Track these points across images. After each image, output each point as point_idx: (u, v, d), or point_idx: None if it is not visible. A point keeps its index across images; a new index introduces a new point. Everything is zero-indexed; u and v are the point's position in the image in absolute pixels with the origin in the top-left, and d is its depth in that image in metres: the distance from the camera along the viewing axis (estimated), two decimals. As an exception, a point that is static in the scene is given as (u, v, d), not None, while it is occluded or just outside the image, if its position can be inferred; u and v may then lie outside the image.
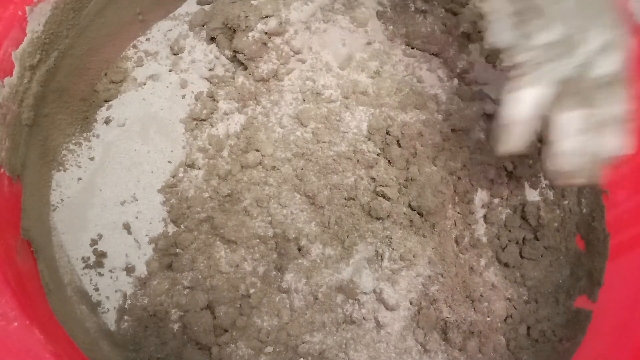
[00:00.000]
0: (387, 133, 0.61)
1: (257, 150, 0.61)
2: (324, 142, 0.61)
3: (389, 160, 0.61)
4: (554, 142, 0.46)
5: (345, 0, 0.68)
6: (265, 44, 0.62)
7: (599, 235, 0.63)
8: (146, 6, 0.67)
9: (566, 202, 0.65)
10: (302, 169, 0.60)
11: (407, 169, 0.60)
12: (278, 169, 0.60)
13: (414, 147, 0.60)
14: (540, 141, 0.66)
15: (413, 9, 0.69)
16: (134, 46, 0.68)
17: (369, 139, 0.61)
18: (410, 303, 0.57)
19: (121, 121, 0.64)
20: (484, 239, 0.63)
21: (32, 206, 0.57)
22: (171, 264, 0.59)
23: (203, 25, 0.68)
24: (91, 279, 0.59)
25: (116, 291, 0.58)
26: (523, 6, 0.45)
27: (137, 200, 0.61)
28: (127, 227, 0.60)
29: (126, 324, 0.57)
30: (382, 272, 0.57)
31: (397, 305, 0.56)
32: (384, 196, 0.58)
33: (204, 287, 0.58)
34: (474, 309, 0.59)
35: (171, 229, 0.60)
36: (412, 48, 0.69)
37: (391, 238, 0.57)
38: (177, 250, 0.59)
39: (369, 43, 0.68)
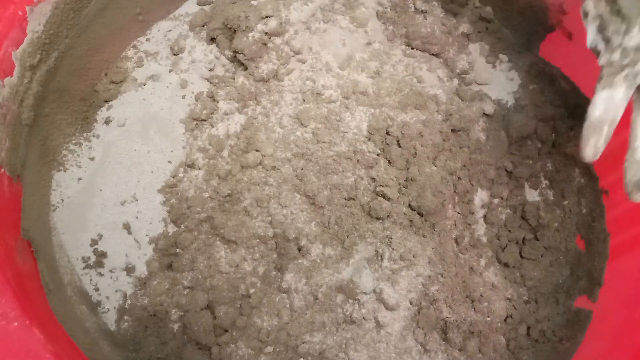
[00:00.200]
0: (387, 133, 0.61)
1: (257, 150, 0.61)
2: (324, 142, 0.61)
3: (389, 160, 0.61)
4: (637, 149, 0.44)
5: (345, 1, 0.68)
6: (265, 44, 0.63)
7: (599, 235, 0.63)
8: (146, 6, 0.67)
9: (566, 202, 0.65)
10: (302, 169, 0.60)
11: (407, 169, 0.60)
12: (278, 169, 0.60)
13: (414, 147, 0.60)
14: (541, 141, 0.66)
15: (413, 9, 0.69)
16: (134, 46, 0.69)
17: (369, 139, 0.61)
18: (410, 303, 0.57)
19: (121, 121, 0.64)
20: (484, 239, 0.63)
21: (32, 206, 0.57)
22: (171, 264, 0.59)
23: (203, 26, 0.68)
24: (91, 279, 0.59)
25: (116, 291, 0.58)
26: (606, 10, 0.45)
27: (137, 200, 0.61)
28: (127, 227, 0.60)
29: (126, 324, 0.57)
30: (382, 272, 0.57)
31: (397, 305, 0.56)
32: (384, 196, 0.59)
33: (204, 287, 0.58)
34: (474, 309, 0.59)
35: (171, 229, 0.60)
36: (412, 48, 0.69)
37: (391, 238, 0.57)
38: (177, 250, 0.59)
39: (369, 43, 0.68)
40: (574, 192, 0.65)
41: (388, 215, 0.58)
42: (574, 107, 0.67)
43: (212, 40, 0.67)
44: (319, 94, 0.63)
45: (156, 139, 0.64)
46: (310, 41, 0.65)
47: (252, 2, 0.64)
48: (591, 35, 0.46)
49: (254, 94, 0.64)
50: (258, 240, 0.59)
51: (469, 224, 0.63)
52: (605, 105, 0.45)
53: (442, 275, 0.58)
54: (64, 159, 0.62)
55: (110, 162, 0.63)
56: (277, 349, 0.56)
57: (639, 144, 0.44)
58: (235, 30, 0.63)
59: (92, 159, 0.63)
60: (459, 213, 0.62)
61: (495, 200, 0.65)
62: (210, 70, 0.67)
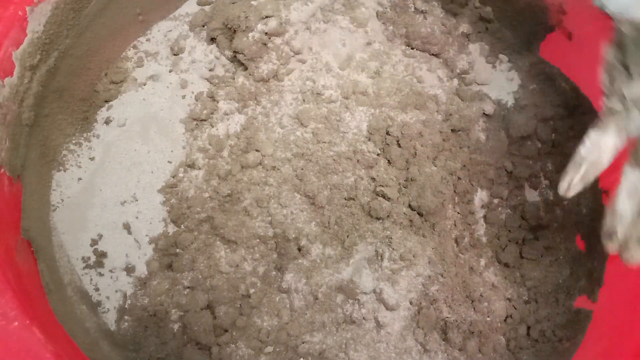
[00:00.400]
0: (387, 133, 0.61)
1: (257, 150, 0.61)
2: (324, 142, 0.61)
3: (389, 161, 0.61)
4: (619, 199, 0.45)
5: (345, 1, 0.68)
6: (265, 44, 0.63)
7: (599, 235, 0.63)
8: (146, 6, 0.67)
9: (566, 202, 0.65)
10: (302, 169, 0.60)
11: (407, 169, 0.60)
12: (278, 169, 0.60)
13: (414, 147, 0.60)
14: (541, 141, 0.66)
15: (413, 9, 0.69)
16: (134, 46, 0.69)
17: (369, 139, 0.61)
18: (410, 303, 0.57)
19: (121, 121, 0.64)
20: (484, 239, 0.63)
21: (32, 206, 0.57)
22: (171, 264, 0.59)
23: (203, 26, 0.68)
24: (91, 279, 0.59)
25: (116, 291, 0.58)
26: (616, 59, 0.46)
27: (137, 200, 0.61)
28: (127, 227, 0.60)
29: (126, 324, 0.57)
30: (382, 272, 0.57)
31: (397, 305, 0.56)
32: (384, 196, 0.59)
33: (204, 287, 0.58)
34: (474, 309, 0.59)
35: (171, 229, 0.60)
36: (412, 48, 0.69)
37: (391, 238, 0.57)
38: (177, 250, 0.59)
39: (369, 43, 0.68)
40: (574, 192, 0.65)
41: (388, 215, 0.58)
42: (574, 107, 0.66)
43: (212, 40, 0.67)
44: (319, 94, 0.63)
45: (156, 139, 0.64)
46: (310, 41, 0.65)
47: (252, 2, 0.64)
48: (603, 80, 0.47)
49: (254, 94, 0.64)
50: (258, 240, 0.59)
51: (469, 224, 0.63)
52: (591, 146, 0.46)
53: (442, 275, 0.58)
54: (64, 159, 0.62)
55: (110, 162, 0.63)
56: (277, 349, 0.56)
57: (623, 196, 0.45)
58: (235, 30, 0.63)
59: (92, 159, 0.63)
60: (459, 213, 0.62)
61: (495, 200, 0.65)
62: (210, 70, 0.67)
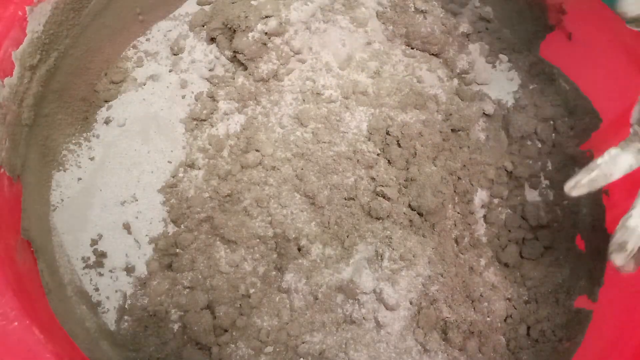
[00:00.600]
0: (387, 133, 0.61)
1: (257, 150, 0.61)
2: (324, 142, 0.61)
3: (389, 160, 0.61)
4: (632, 216, 0.47)
5: (345, 0, 0.68)
6: (265, 44, 0.63)
7: (599, 235, 0.63)
8: (146, 6, 0.67)
9: (566, 202, 0.65)
10: (302, 169, 0.60)
11: (407, 169, 0.60)
12: (278, 169, 0.60)
13: (414, 147, 0.60)
14: (541, 141, 0.66)
15: (413, 9, 0.69)
16: (134, 46, 0.68)
17: (369, 139, 0.61)
18: (410, 303, 0.57)
19: (121, 121, 0.64)
20: (484, 239, 0.63)
21: (32, 206, 0.57)
22: (171, 264, 0.59)
23: (203, 26, 0.68)
24: (91, 279, 0.59)
25: (116, 291, 0.58)
26: None
27: (137, 200, 0.61)
28: (127, 227, 0.60)
29: (126, 324, 0.57)
30: (382, 272, 0.57)
31: (397, 305, 0.56)
32: (384, 196, 0.58)
33: (204, 287, 0.58)
34: (474, 309, 0.59)
35: (171, 229, 0.60)
36: (412, 48, 0.69)
37: (391, 238, 0.57)
38: (177, 250, 0.59)
39: (368, 43, 0.68)
40: (574, 192, 0.65)
41: (388, 215, 0.58)
42: (574, 107, 0.67)
43: (212, 40, 0.67)
44: (319, 94, 0.63)
45: (156, 139, 0.64)
46: (310, 41, 0.65)
47: (252, 2, 0.64)
48: (635, 112, 0.49)
49: (254, 94, 0.64)
50: (258, 240, 0.59)
51: (469, 224, 0.63)
52: (609, 159, 0.49)
53: (442, 275, 0.58)
54: (64, 159, 0.62)
55: (110, 162, 0.63)
56: (277, 349, 0.56)
57: (637, 212, 0.47)
58: (235, 30, 0.63)
59: (92, 159, 0.63)
60: (459, 213, 0.62)
61: (495, 200, 0.65)
62: (210, 70, 0.67)
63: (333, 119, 0.62)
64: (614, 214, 0.63)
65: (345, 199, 0.60)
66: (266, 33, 0.62)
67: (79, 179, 0.62)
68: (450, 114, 0.64)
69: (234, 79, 0.65)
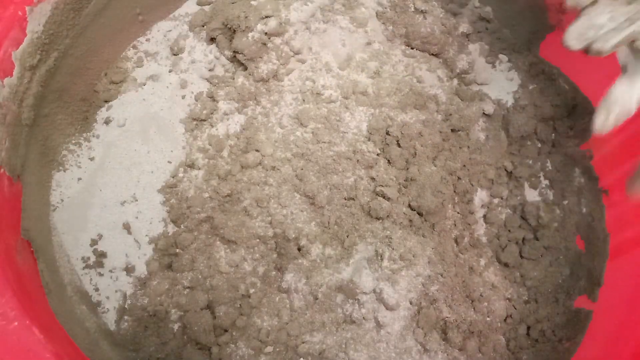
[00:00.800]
0: (387, 133, 0.61)
1: (257, 151, 0.61)
2: (324, 142, 0.61)
3: (388, 160, 0.61)
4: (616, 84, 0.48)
5: (345, 1, 0.68)
6: (265, 44, 0.63)
7: (599, 235, 0.63)
8: (146, 6, 0.67)
9: (566, 202, 0.65)
10: (302, 169, 0.60)
11: (407, 169, 0.60)
12: (278, 169, 0.60)
13: (414, 147, 0.60)
14: (541, 141, 0.66)
15: (413, 9, 0.69)
16: (134, 46, 0.69)
17: (369, 139, 0.61)
18: (410, 303, 0.57)
19: (121, 121, 0.64)
20: (484, 239, 0.63)
21: (32, 206, 0.57)
22: (171, 264, 0.59)
23: (203, 26, 0.68)
24: (91, 279, 0.59)
25: (116, 291, 0.58)
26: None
27: (137, 200, 0.61)
28: (127, 227, 0.60)
29: (126, 324, 0.57)
30: (382, 272, 0.57)
31: (397, 305, 0.56)
32: (383, 196, 0.59)
33: (204, 287, 0.58)
34: (474, 308, 0.59)
35: (171, 229, 0.60)
36: (412, 48, 0.69)
37: (391, 238, 0.57)
38: (177, 250, 0.59)
39: (368, 43, 0.68)
40: (574, 192, 0.65)
41: (388, 215, 0.58)
42: (574, 107, 0.67)
43: (212, 40, 0.67)
44: (318, 94, 0.63)
45: (156, 139, 0.64)
46: (310, 41, 0.65)
47: (252, 2, 0.64)
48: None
49: (253, 94, 0.64)
50: (258, 240, 0.59)
51: (469, 224, 0.63)
52: (622, 90, 0.49)
53: (442, 275, 0.58)
54: (64, 159, 0.62)
55: (110, 162, 0.63)
56: (277, 349, 0.56)
57: (621, 80, 0.48)
58: (235, 30, 0.63)
59: (92, 159, 0.63)
60: (458, 213, 0.62)
61: (495, 200, 0.65)
62: (210, 70, 0.67)
63: (333, 119, 0.62)
64: (614, 214, 0.63)
65: (345, 199, 0.60)
66: (266, 33, 0.62)
67: (79, 179, 0.62)
68: (450, 114, 0.64)
69: (234, 79, 0.65)
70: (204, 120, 0.64)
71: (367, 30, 0.68)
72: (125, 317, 0.57)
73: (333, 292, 0.57)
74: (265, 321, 0.57)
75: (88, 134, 0.64)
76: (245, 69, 0.65)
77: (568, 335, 0.60)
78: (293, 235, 0.58)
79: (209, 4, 0.71)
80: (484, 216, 0.64)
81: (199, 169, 0.61)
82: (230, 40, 0.64)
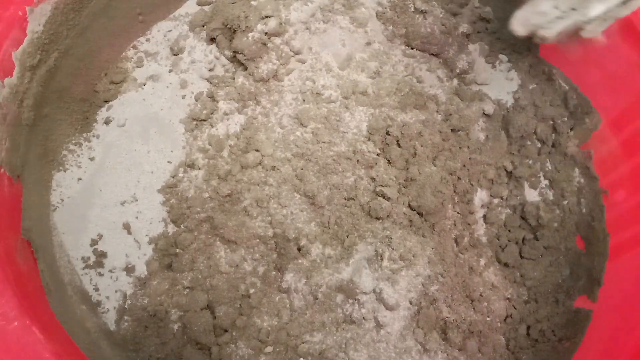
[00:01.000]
0: (387, 133, 0.61)
1: (257, 151, 0.61)
2: (324, 142, 0.61)
3: (388, 160, 0.61)
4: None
5: (345, 1, 0.68)
6: (265, 44, 0.63)
7: (599, 235, 0.63)
8: (146, 7, 0.67)
9: (566, 202, 0.65)
10: (302, 169, 0.60)
11: (407, 169, 0.60)
12: (278, 169, 0.60)
13: (414, 147, 0.60)
14: (541, 141, 0.66)
15: (413, 9, 0.69)
16: (134, 47, 0.69)
17: (369, 139, 0.61)
18: (410, 303, 0.57)
19: (121, 121, 0.64)
20: (484, 239, 0.63)
21: (32, 206, 0.57)
22: (171, 264, 0.59)
23: (203, 26, 0.68)
24: (91, 279, 0.59)
25: (116, 291, 0.58)
26: None
27: (137, 200, 0.61)
28: (127, 227, 0.60)
29: (126, 324, 0.57)
30: (381, 272, 0.57)
31: (397, 305, 0.56)
32: (383, 196, 0.59)
33: (204, 287, 0.58)
34: (474, 308, 0.59)
35: (171, 229, 0.60)
36: (412, 48, 0.69)
37: (391, 238, 0.57)
38: (177, 250, 0.59)
39: (368, 43, 0.68)
40: (574, 192, 0.65)
41: (388, 215, 0.58)
42: (573, 107, 0.67)
43: (212, 40, 0.67)
44: (318, 94, 0.63)
45: (156, 139, 0.64)
46: (310, 41, 0.65)
47: (252, 2, 0.64)
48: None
49: (253, 94, 0.64)
50: (258, 240, 0.59)
51: (469, 224, 0.63)
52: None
53: (441, 275, 0.58)
54: (64, 159, 0.62)
55: (110, 162, 0.63)
56: (277, 349, 0.56)
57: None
58: (235, 31, 0.63)
59: (92, 159, 0.63)
60: (458, 213, 0.62)
61: (495, 200, 0.65)
62: (210, 70, 0.67)
63: (333, 119, 0.62)
64: (614, 214, 0.63)
65: (345, 199, 0.60)
66: (266, 33, 0.62)
67: (79, 179, 0.62)
68: (450, 114, 0.64)
69: (234, 79, 0.65)
70: (204, 120, 0.64)
71: (367, 30, 0.68)
72: (125, 317, 0.57)
73: (333, 292, 0.57)
74: (265, 321, 0.57)
75: (88, 134, 0.64)
76: (245, 69, 0.65)
77: (568, 335, 0.60)
78: (293, 235, 0.58)
79: (209, 4, 0.71)
80: (484, 216, 0.64)
81: (199, 169, 0.61)
82: (230, 40, 0.64)
